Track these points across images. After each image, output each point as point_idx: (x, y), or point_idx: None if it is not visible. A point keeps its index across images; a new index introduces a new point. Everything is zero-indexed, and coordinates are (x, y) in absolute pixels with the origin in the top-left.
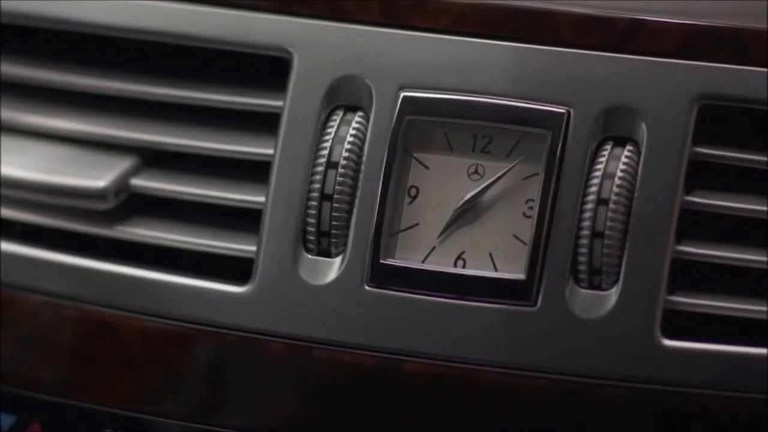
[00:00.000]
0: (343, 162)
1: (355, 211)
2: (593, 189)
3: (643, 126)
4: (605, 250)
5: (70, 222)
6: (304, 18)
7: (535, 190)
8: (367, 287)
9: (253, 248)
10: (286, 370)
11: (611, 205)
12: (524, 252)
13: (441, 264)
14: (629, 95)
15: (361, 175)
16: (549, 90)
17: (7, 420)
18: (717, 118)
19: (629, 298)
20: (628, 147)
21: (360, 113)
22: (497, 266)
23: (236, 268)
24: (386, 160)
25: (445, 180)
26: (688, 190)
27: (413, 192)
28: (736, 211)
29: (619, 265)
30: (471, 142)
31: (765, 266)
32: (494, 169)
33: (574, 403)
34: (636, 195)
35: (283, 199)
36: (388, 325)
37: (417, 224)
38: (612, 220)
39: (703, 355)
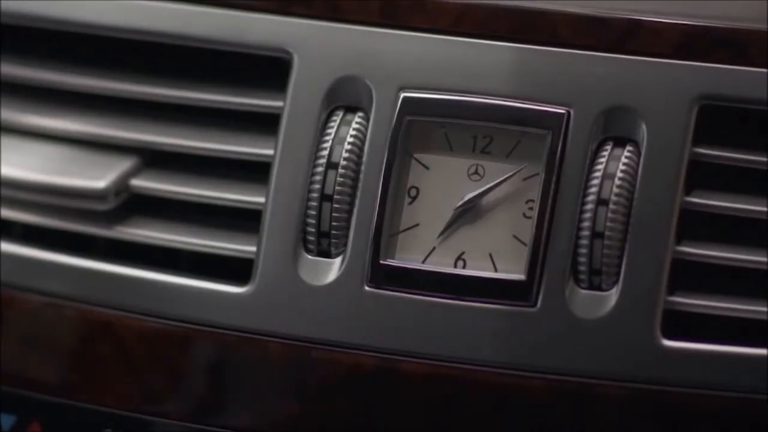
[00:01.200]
0: (343, 162)
1: (355, 211)
2: (593, 189)
3: (643, 126)
4: (605, 251)
5: (70, 222)
6: (304, 18)
7: (535, 191)
8: (367, 288)
9: (253, 249)
10: (286, 370)
11: (611, 206)
12: (524, 252)
13: (441, 264)
14: (629, 95)
15: (361, 176)
16: (549, 90)
17: (7, 420)
18: (717, 118)
19: (629, 299)
20: (628, 147)
21: (360, 114)
22: (497, 267)
23: (236, 269)
24: (386, 161)
25: (446, 180)
26: (688, 191)
27: (413, 192)
28: (736, 212)
29: (619, 266)
30: (471, 142)
31: (765, 266)
32: (494, 169)
33: (574, 404)
34: (636, 195)
35: (283, 200)
36: (388, 326)
37: (417, 224)
38: (612, 220)
39: (703, 356)
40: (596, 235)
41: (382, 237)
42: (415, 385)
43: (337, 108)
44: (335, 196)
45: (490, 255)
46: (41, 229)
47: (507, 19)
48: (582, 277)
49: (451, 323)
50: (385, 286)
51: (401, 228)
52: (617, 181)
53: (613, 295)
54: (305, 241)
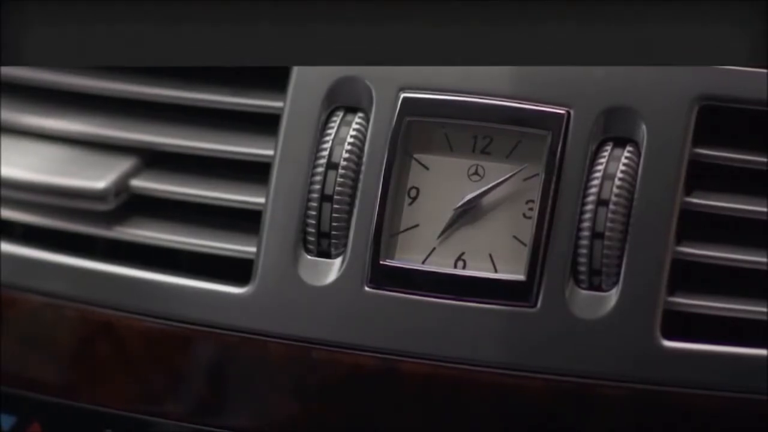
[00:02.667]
0: (343, 163)
1: (355, 212)
2: (593, 190)
3: (643, 127)
4: (605, 251)
5: (70, 223)
6: None
7: (535, 191)
8: (367, 288)
9: (253, 249)
10: (286, 370)
11: (611, 206)
12: (524, 253)
13: (441, 265)
14: (629, 96)
15: (362, 176)
16: (549, 91)
17: (7, 420)
18: (717, 119)
19: (629, 299)
20: (628, 148)
21: (360, 114)
22: (497, 267)
23: (236, 269)
24: (386, 161)
25: (446, 181)
26: (688, 191)
27: (413, 193)
28: (736, 212)
29: (619, 266)
30: (471, 142)
31: (765, 267)
32: (494, 169)
33: (574, 404)
34: (636, 196)
35: (283, 200)
36: (388, 326)
37: (417, 225)
38: (612, 221)
39: (703, 356)
40: (596, 235)
41: (382, 237)
42: (415, 385)
43: (337, 108)
44: (335, 197)
45: (490, 255)
46: (41, 229)
47: None
48: (582, 277)
49: (451, 323)
50: (385, 286)
51: (401, 228)
52: (617, 182)
53: (613, 296)
54: (305, 242)
